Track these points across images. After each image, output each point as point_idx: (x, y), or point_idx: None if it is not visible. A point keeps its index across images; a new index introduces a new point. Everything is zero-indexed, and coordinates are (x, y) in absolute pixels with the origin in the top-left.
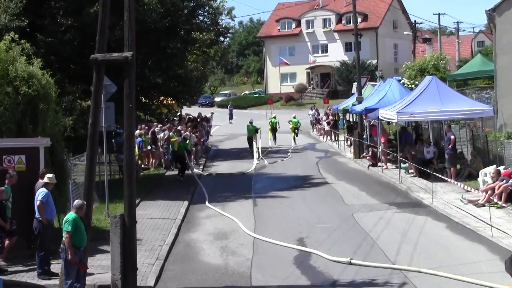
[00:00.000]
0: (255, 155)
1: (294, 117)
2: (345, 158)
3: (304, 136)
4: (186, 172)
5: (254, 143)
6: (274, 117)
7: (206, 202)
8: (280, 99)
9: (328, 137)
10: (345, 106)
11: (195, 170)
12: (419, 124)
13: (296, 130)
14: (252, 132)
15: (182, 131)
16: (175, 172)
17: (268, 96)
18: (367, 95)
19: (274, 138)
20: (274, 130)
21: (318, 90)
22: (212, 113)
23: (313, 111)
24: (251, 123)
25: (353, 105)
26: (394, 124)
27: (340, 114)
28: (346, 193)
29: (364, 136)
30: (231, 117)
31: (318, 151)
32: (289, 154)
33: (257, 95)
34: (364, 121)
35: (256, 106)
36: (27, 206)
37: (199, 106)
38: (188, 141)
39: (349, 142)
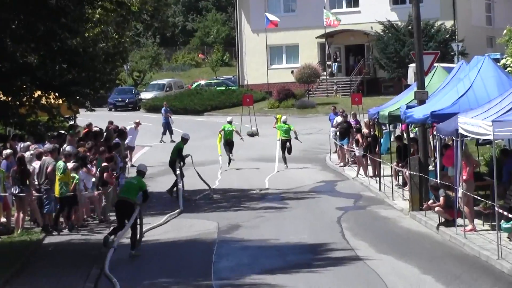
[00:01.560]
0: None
1: (230, 123)
2: (393, 210)
3: (314, 167)
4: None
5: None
6: (230, 123)
7: None
8: (267, 95)
9: (361, 169)
10: (392, 109)
11: (111, 238)
12: None
13: (287, 144)
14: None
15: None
16: (66, 236)
17: (244, 90)
18: (435, 88)
19: (231, 153)
20: (229, 144)
21: (341, 79)
22: (137, 123)
23: (341, 117)
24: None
25: (408, 107)
26: (487, 143)
27: (384, 126)
28: (396, 280)
29: (430, 167)
30: (166, 131)
31: (342, 196)
32: (282, 200)
33: (223, 88)
34: (430, 137)
35: (222, 109)
36: None
37: (110, 110)
38: (76, 178)
39: (400, 177)
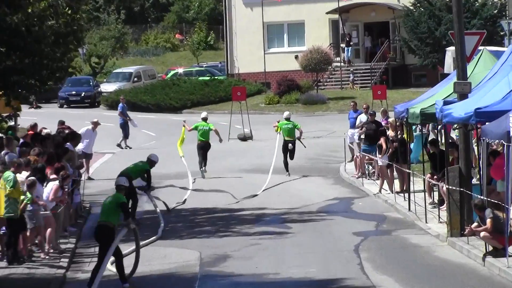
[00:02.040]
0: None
1: (205, 120)
2: (426, 236)
3: (325, 180)
4: None
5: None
6: (205, 120)
7: None
8: (264, 87)
9: (385, 183)
10: (425, 106)
11: None
12: None
13: (290, 146)
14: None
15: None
16: (4, 270)
17: (235, 81)
18: (480, 78)
19: (204, 162)
20: (203, 148)
21: (360, 66)
22: (95, 124)
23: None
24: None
25: (445, 103)
26: None
27: (415, 126)
28: None
29: (474, 180)
30: (125, 135)
31: (361, 218)
32: (283, 216)
33: (207, 79)
34: (473, 142)
35: (206, 105)
36: None
37: (62, 106)
38: (28, 198)
39: (436, 194)
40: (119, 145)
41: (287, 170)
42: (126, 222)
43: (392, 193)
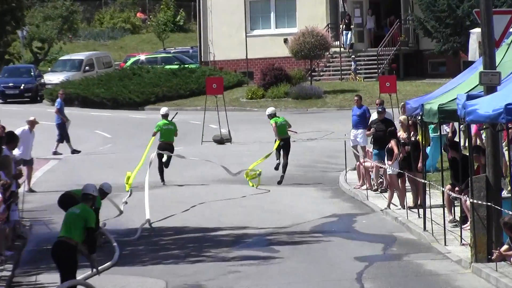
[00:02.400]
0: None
1: (166, 117)
2: (445, 262)
3: (321, 192)
4: None
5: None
6: (166, 117)
7: None
8: (246, 78)
9: (394, 195)
10: (444, 101)
11: None
12: None
13: (283, 143)
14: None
15: None
16: None
17: (210, 70)
18: (511, 67)
19: (166, 165)
20: (167, 150)
21: (364, 53)
22: (32, 123)
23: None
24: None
25: (469, 97)
26: None
27: (433, 126)
28: None
29: (505, 193)
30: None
31: (365, 239)
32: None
33: (176, 67)
34: (503, 145)
35: (174, 99)
36: None
37: None
38: None
39: (457, 209)
40: (55, 153)
41: (284, 173)
42: (91, 259)
43: (404, 208)
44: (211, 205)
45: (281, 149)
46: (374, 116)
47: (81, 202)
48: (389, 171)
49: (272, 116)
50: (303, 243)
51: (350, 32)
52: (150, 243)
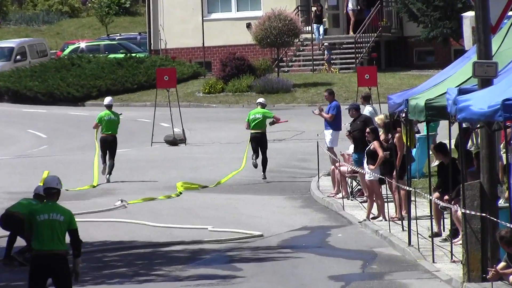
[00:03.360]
0: None
1: (109, 108)
2: (432, 281)
3: (290, 201)
4: None
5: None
6: (110, 108)
7: None
8: (202, 69)
9: (374, 205)
10: (432, 96)
11: None
12: None
13: (256, 138)
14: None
15: None
16: None
17: (161, 59)
18: (509, 57)
19: (108, 169)
20: (109, 144)
21: (339, 39)
22: None
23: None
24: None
25: (461, 91)
26: None
27: (420, 125)
28: None
29: (501, 202)
30: None
31: (341, 256)
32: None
33: (122, 56)
34: (500, 147)
35: (120, 94)
36: None
37: None
38: None
39: (447, 221)
40: None
41: (264, 172)
42: (77, 263)
43: (385, 220)
44: (163, 215)
45: (258, 147)
46: (368, 110)
47: (45, 201)
48: (369, 177)
49: (261, 103)
50: (270, 260)
51: (321, 25)
52: (92, 260)
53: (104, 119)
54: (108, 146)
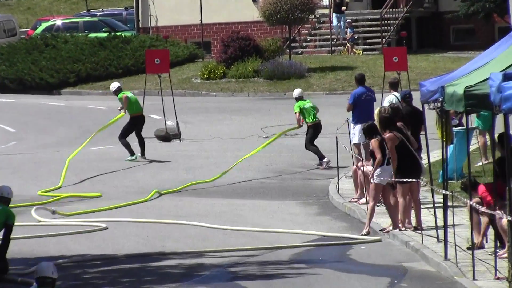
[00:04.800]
0: None
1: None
2: None
3: (304, 206)
4: None
5: None
6: (118, 92)
7: None
8: (200, 51)
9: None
10: (473, 82)
11: None
12: None
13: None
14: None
15: None
16: None
17: (151, 39)
18: None
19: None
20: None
21: (362, 15)
22: None
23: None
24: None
25: (507, 77)
26: None
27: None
28: None
29: None
30: None
31: (364, 272)
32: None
33: (104, 35)
34: None
35: (103, 80)
36: None
37: None
38: None
39: (490, 231)
40: None
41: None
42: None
43: (417, 230)
44: (153, 223)
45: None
46: (393, 98)
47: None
48: (374, 181)
49: (299, 96)
50: (280, 277)
51: (342, 16)
52: (70, 277)
53: (132, 100)
54: (142, 124)
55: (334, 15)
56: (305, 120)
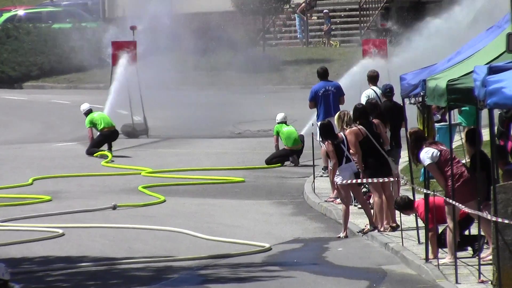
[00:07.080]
0: None
1: None
2: None
3: (278, 206)
4: None
5: None
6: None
7: None
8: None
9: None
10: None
11: None
12: None
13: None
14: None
15: None
16: None
17: (115, 30)
18: None
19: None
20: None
21: (340, 4)
22: None
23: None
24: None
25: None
26: None
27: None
28: None
29: None
30: None
31: (340, 275)
32: None
33: (68, 26)
34: None
35: (65, 74)
36: None
37: None
38: None
39: (474, 231)
40: None
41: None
42: None
43: (395, 229)
44: (119, 224)
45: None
46: (371, 92)
47: None
48: (338, 181)
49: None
50: (253, 280)
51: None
52: (31, 280)
53: (96, 118)
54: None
55: (295, 16)
56: (284, 143)
